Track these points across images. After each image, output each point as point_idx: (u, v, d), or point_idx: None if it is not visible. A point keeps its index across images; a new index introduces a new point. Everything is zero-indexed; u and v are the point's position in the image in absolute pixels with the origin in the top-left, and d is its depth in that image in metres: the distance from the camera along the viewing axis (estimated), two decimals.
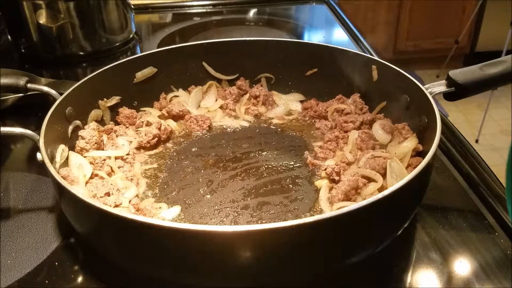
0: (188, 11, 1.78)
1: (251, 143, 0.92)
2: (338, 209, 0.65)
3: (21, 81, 0.90)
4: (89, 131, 0.85)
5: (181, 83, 1.05)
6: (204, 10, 1.78)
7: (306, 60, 1.03)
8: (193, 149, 0.91)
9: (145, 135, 0.89)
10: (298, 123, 0.99)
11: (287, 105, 1.04)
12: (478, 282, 0.63)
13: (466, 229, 0.72)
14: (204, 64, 1.06)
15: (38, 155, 0.70)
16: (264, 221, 0.71)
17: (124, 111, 0.96)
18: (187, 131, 0.97)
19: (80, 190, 0.72)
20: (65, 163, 0.79)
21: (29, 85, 0.90)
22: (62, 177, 0.67)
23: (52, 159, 0.74)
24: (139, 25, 1.65)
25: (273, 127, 0.98)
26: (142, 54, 1.01)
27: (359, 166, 0.79)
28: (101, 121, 0.93)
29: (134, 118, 0.96)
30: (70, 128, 0.84)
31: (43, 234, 0.74)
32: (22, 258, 0.69)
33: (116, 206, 0.72)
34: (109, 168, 0.81)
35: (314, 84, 1.04)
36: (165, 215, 0.73)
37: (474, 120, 3.39)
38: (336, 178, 0.78)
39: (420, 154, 0.79)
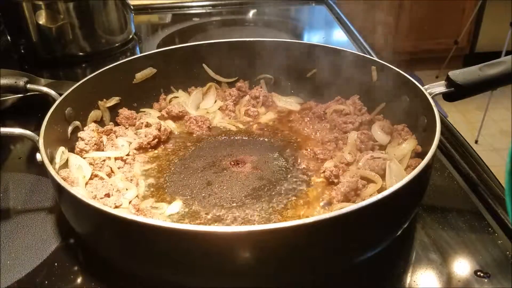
0: (188, 11, 1.78)
1: (250, 144, 0.92)
2: (337, 210, 0.65)
3: (21, 82, 0.90)
4: (89, 132, 0.85)
5: (180, 84, 1.06)
6: (204, 11, 1.78)
7: (306, 61, 1.03)
8: (193, 150, 0.91)
9: (145, 136, 0.89)
10: (297, 124, 0.99)
11: (287, 106, 1.04)
12: (478, 282, 0.63)
13: (466, 230, 0.72)
14: (204, 66, 1.06)
15: (38, 156, 0.69)
16: (263, 222, 0.71)
17: (124, 112, 0.96)
18: (187, 131, 0.97)
19: (80, 191, 0.72)
20: (65, 164, 0.79)
21: (28, 85, 0.90)
22: (61, 178, 0.67)
23: (51, 159, 0.74)
24: (139, 25, 1.65)
25: (272, 129, 0.98)
26: (142, 54, 1.01)
27: (358, 167, 0.79)
28: (100, 122, 0.93)
29: (133, 119, 0.96)
30: (70, 128, 0.84)
31: (42, 235, 0.74)
32: (21, 258, 0.69)
33: (116, 207, 0.72)
34: (109, 169, 0.81)
35: (313, 85, 1.04)
36: (165, 214, 0.73)
37: (474, 120, 3.39)
38: (335, 180, 0.78)
39: (420, 154, 0.80)
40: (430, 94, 0.78)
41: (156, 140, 0.90)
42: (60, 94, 0.84)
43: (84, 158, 0.81)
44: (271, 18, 1.71)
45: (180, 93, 1.05)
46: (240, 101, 1.05)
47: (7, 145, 0.98)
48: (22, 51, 1.37)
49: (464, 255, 0.68)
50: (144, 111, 1.00)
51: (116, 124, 0.96)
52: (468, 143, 0.92)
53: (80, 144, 0.83)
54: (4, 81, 0.90)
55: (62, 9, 1.28)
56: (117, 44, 1.42)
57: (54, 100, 0.82)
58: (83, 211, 0.62)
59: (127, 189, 0.77)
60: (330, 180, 0.78)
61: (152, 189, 0.80)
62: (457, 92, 0.79)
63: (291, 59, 1.04)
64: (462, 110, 3.53)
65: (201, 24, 1.65)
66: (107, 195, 0.74)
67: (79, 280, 0.66)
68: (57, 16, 1.28)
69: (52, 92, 0.88)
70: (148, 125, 0.93)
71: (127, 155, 0.86)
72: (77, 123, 0.87)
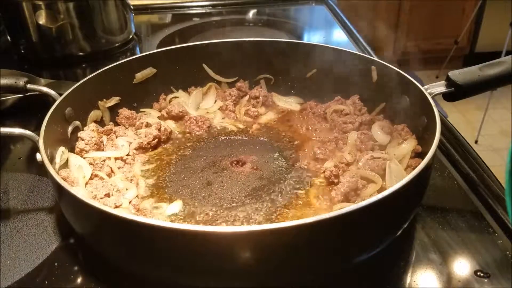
0: (188, 11, 1.78)
1: (250, 144, 0.92)
2: (337, 210, 0.65)
3: (21, 82, 0.90)
4: (88, 132, 0.85)
5: (180, 84, 1.05)
6: (204, 11, 1.78)
7: (306, 61, 1.03)
8: (193, 150, 0.91)
9: (145, 136, 0.89)
10: (297, 124, 0.99)
11: (287, 106, 1.04)
12: (478, 282, 0.63)
13: (466, 230, 0.72)
14: (204, 66, 1.06)
15: (38, 156, 0.70)
16: (263, 222, 0.71)
17: (124, 112, 0.96)
18: (187, 131, 0.97)
19: (80, 191, 0.72)
20: (65, 164, 0.79)
21: (28, 85, 0.90)
22: (61, 178, 0.67)
23: (51, 159, 0.74)
24: (139, 25, 1.65)
25: (272, 129, 0.98)
26: (142, 54, 1.01)
27: (358, 167, 0.79)
28: (100, 122, 0.93)
29: (133, 119, 0.96)
30: (70, 128, 0.84)
31: (42, 235, 0.74)
32: (21, 258, 0.69)
33: (116, 207, 0.72)
34: (109, 169, 0.81)
35: (313, 85, 1.04)
36: (165, 214, 0.73)
37: (474, 120, 3.38)
38: (335, 180, 0.78)
39: (420, 155, 0.79)
40: (430, 94, 0.78)
41: (156, 140, 0.90)
42: (60, 94, 0.84)
43: (84, 158, 0.81)
44: (271, 18, 1.71)
45: (180, 93, 1.05)
46: (240, 101, 1.05)
47: (7, 145, 0.98)
48: (22, 51, 1.37)
49: (464, 255, 0.68)
50: (144, 111, 1.00)
51: (116, 124, 0.96)
52: (468, 143, 0.92)
53: (80, 144, 0.83)
54: (4, 81, 0.90)
55: (62, 9, 1.28)
56: (117, 44, 1.42)
57: (54, 100, 0.82)
58: (83, 211, 0.62)
59: (127, 189, 0.77)
60: (330, 180, 0.78)
61: (152, 189, 0.80)
62: (457, 92, 0.79)
63: (291, 59, 1.04)
64: (462, 110, 3.53)
65: (201, 24, 1.65)
66: (107, 195, 0.74)
67: (79, 280, 0.66)
68: (57, 16, 1.28)
69: (52, 92, 0.88)
70: (148, 125, 0.93)
71: (127, 155, 0.86)
72: (77, 123, 0.87)
